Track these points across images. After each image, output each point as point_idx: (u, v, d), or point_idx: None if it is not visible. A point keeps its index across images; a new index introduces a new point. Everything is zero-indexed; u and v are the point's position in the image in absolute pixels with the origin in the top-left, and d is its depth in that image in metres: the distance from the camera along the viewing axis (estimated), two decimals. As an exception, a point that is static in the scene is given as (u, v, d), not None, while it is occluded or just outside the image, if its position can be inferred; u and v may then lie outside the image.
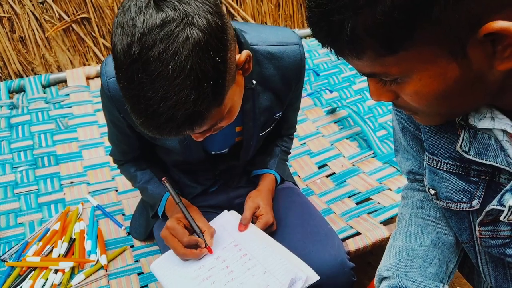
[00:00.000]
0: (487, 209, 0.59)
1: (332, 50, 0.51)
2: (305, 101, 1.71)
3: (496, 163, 0.58)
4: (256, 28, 0.92)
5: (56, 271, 1.10)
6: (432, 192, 0.69)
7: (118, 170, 1.38)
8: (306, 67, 1.86)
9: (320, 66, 1.88)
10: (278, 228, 1.04)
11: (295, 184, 1.21)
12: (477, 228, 0.63)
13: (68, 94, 1.64)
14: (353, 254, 1.10)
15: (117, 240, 1.21)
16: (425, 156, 0.68)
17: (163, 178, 0.94)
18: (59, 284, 1.08)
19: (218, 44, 0.64)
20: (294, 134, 1.55)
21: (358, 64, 0.51)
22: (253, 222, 0.99)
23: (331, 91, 1.75)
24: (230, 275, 0.88)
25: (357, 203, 1.30)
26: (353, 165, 1.44)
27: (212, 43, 0.63)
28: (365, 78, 1.81)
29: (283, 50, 0.90)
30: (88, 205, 1.30)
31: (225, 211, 1.04)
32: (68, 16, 1.89)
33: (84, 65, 1.98)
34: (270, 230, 0.99)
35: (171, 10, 0.62)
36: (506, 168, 0.58)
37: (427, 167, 0.68)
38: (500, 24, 0.43)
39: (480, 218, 0.62)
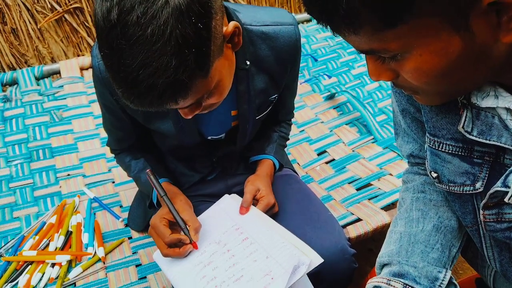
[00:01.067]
0: (491, 191, 0.57)
1: (328, 26, 0.48)
2: (303, 88, 1.68)
3: (500, 142, 0.55)
4: (250, 8, 0.90)
5: (53, 265, 1.08)
6: (434, 175, 0.66)
7: (115, 162, 1.36)
8: (304, 52, 1.83)
9: (318, 51, 1.85)
10: (277, 214, 1.02)
11: (294, 171, 1.19)
12: (481, 211, 0.61)
13: (62, 86, 1.61)
14: (354, 240, 1.09)
15: (114, 232, 1.20)
16: (426, 138, 0.65)
17: (148, 170, 0.92)
18: (56, 278, 1.06)
19: (200, 9, 0.61)
20: (293, 121, 1.54)
21: (355, 40, 0.48)
22: (254, 205, 0.97)
23: (329, 77, 1.72)
24: (231, 260, 0.87)
25: (357, 189, 1.28)
26: (353, 151, 1.42)
27: (194, 8, 0.60)
28: (364, 62, 1.77)
29: (277, 30, 0.88)
30: (85, 197, 1.28)
31: (226, 195, 1.02)
32: (60, 6, 1.86)
33: (78, 56, 1.95)
34: (272, 212, 0.98)
35: None
36: (511, 147, 0.55)
37: (428, 149, 0.66)
38: None
39: (484, 201, 0.60)
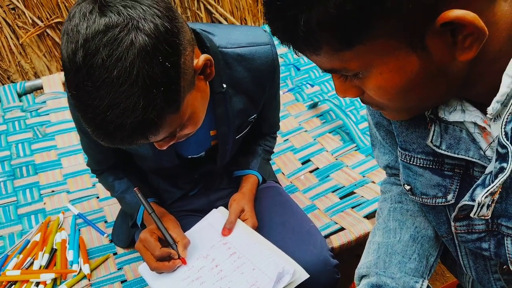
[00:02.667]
0: (460, 204, 0.58)
1: (291, 46, 0.49)
2: (286, 97, 1.69)
3: (468, 156, 0.57)
4: (224, 30, 0.90)
5: (37, 284, 1.08)
6: (407, 187, 0.68)
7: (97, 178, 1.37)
8: (287, 61, 1.85)
9: (300, 60, 1.86)
10: (259, 227, 1.03)
11: (278, 182, 1.20)
12: (452, 223, 0.62)
13: (45, 101, 1.60)
14: (337, 250, 1.10)
15: (99, 248, 1.19)
16: (398, 151, 0.67)
17: (135, 189, 0.92)
18: (41, 297, 1.06)
19: (167, 48, 0.61)
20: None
21: (317, 60, 0.49)
22: None
23: (312, 85, 1.74)
24: (219, 274, 0.88)
25: (341, 198, 1.29)
26: (336, 159, 1.43)
27: (161, 48, 0.61)
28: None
29: (253, 51, 0.88)
30: (69, 213, 1.28)
31: (214, 210, 1.02)
32: (42, 21, 1.85)
33: (62, 70, 1.94)
34: None
35: (114, 15, 0.60)
36: (478, 161, 0.57)
37: (401, 163, 0.67)
38: (456, 13, 0.42)
39: (454, 214, 0.61)
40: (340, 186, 1.33)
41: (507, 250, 0.58)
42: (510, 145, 0.50)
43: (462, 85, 0.51)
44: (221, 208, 1.03)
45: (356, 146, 1.47)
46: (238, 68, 0.88)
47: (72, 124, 1.54)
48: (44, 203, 1.31)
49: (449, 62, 0.47)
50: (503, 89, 0.48)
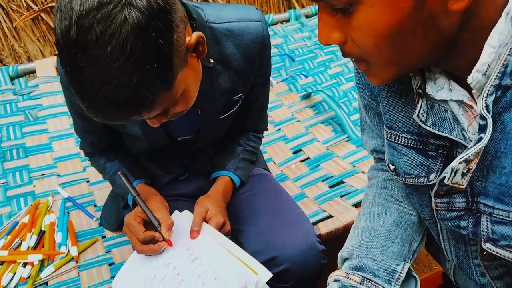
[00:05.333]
0: (440, 177, 0.58)
1: None
2: (280, 87, 1.69)
3: (452, 135, 0.57)
4: (215, 6, 0.90)
5: (24, 265, 1.08)
6: (392, 167, 0.68)
7: (89, 161, 1.37)
8: (282, 52, 1.85)
9: (295, 51, 1.87)
10: (247, 214, 1.03)
11: (267, 169, 1.20)
12: (433, 200, 0.62)
13: (37, 85, 1.60)
14: (325, 237, 1.11)
15: (88, 231, 1.20)
16: (384, 130, 0.67)
17: (119, 173, 0.92)
18: (28, 278, 1.06)
19: (160, 25, 0.62)
20: (269, 120, 1.56)
21: None
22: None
23: (306, 76, 1.74)
24: (181, 285, 0.85)
25: (330, 187, 1.30)
26: (327, 149, 1.44)
27: (154, 24, 0.61)
28: (340, 62, 1.77)
29: (243, 27, 0.88)
30: (59, 197, 1.28)
31: (176, 211, 0.99)
32: (36, 5, 1.84)
33: (55, 55, 1.93)
34: (223, 231, 0.96)
35: None
36: (461, 141, 0.57)
37: (386, 142, 0.68)
38: None
39: (435, 189, 0.61)
40: (330, 175, 1.34)
41: (482, 228, 0.58)
42: (489, 116, 0.50)
43: (448, 48, 0.51)
44: (186, 211, 1.00)
45: (347, 137, 1.47)
46: (227, 43, 0.87)
47: (64, 108, 1.54)
48: (34, 186, 1.30)
49: (441, 13, 0.46)
50: (484, 58, 0.48)
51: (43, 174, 1.34)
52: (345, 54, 0.53)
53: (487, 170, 0.55)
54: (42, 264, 1.09)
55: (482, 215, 0.58)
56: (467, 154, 0.52)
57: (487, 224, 0.58)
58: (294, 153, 1.45)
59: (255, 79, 0.97)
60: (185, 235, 0.92)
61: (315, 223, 1.13)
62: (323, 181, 1.32)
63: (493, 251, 0.58)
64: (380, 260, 0.70)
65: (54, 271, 1.08)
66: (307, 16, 2.07)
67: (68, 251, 1.12)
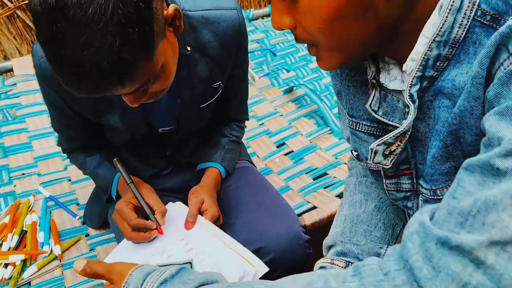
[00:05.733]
0: (375, 161, 0.60)
1: None
2: (262, 82, 1.70)
3: (400, 124, 0.59)
4: None
5: (6, 265, 1.06)
6: (355, 153, 0.70)
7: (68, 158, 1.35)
8: (263, 47, 1.85)
9: (276, 46, 1.87)
10: (233, 206, 1.03)
11: (251, 162, 1.21)
12: (384, 180, 0.65)
13: (15, 84, 1.57)
14: (309, 227, 1.12)
15: (71, 230, 1.18)
16: (347, 119, 0.69)
17: (115, 159, 0.92)
18: (10, 278, 1.04)
19: None
20: (252, 115, 1.56)
21: None
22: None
23: (288, 71, 1.75)
24: None
25: (314, 179, 1.31)
26: (311, 142, 1.45)
27: None
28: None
29: (219, 15, 0.88)
30: (40, 196, 1.26)
31: (170, 203, 0.99)
32: (12, 2, 1.80)
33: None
34: (217, 224, 0.96)
35: None
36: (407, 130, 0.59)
37: (349, 130, 0.70)
38: None
39: (383, 170, 0.64)
40: (313, 167, 1.35)
41: (419, 206, 0.62)
42: (412, 104, 0.53)
43: (389, 37, 0.52)
44: (179, 203, 1.00)
45: (330, 130, 1.49)
46: (203, 31, 0.88)
47: (44, 107, 1.51)
48: (14, 186, 1.28)
49: (381, 0, 0.48)
50: (418, 48, 0.51)
51: (23, 174, 1.31)
52: (297, 39, 0.56)
53: (428, 157, 0.57)
54: (25, 264, 1.07)
55: (420, 195, 0.61)
56: (386, 137, 0.56)
57: (421, 203, 0.61)
58: (277, 146, 1.45)
59: (233, 70, 0.97)
60: (179, 225, 0.92)
61: (299, 214, 1.14)
62: (307, 173, 1.33)
63: None
64: (363, 244, 0.71)
65: (37, 271, 1.06)
66: (287, 11, 2.08)
67: (51, 250, 1.11)
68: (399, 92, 0.58)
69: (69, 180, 1.32)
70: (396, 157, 0.58)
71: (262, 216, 1.00)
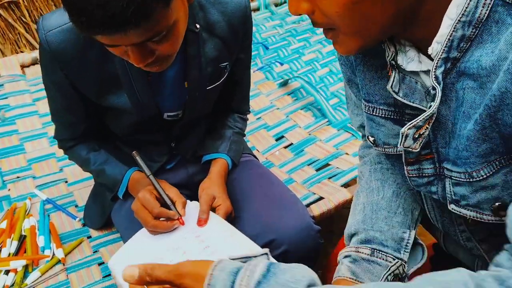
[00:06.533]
0: (405, 145, 0.60)
1: None
2: (257, 75, 1.69)
3: (422, 106, 0.59)
4: None
5: (7, 272, 1.02)
6: (371, 139, 0.70)
7: (66, 161, 1.31)
8: (255, 40, 1.84)
9: (268, 39, 1.86)
10: (240, 199, 1.02)
11: (254, 156, 1.19)
12: (405, 167, 0.65)
13: (2, 85, 1.51)
14: (318, 218, 1.11)
15: (72, 232, 1.15)
16: (362, 104, 0.68)
17: (134, 152, 0.89)
18: (12, 285, 1.00)
19: None
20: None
21: None
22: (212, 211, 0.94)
23: (281, 64, 1.74)
24: None
25: (317, 170, 1.31)
26: (310, 134, 1.45)
27: None
28: (314, 49, 1.79)
29: None
30: (37, 199, 1.22)
31: (189, 202, 0.96)
32: (-7, 1, 1.74)
33: (17, 53, 1.83)
34: (230, 218, 0.95)
35: None
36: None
37: (365, 115, 0.69)
38: None
39: (404, 156, 0.64)
40: (315, 159, 1.34)
41: (447, 191, 0.61)
42: (438, 86, 0.53)
43: (409, 20, 0.52)
44: (193, 202, 0.97)
45: (327, 121, 1.49)
46: (212, 10, 0.89)
47: (34, 108, 1.47)
48: (9, 190, 1.23)
49: None
50: (443, 30, 0.51)
51: (18, 177, 1.27)
52: (314, 24, 0.56)
53: (449, 137, 0.58)
54: (26, 269, 1.04)
55: (447, 179, 0.61)
56: (416, 120, 0.56)
57: (450, 186, 0.61)
58: (276, 140, 1.44)
59: (239, 54, 0.98)
60: (193, 222, 0.90)
61: (307, 206, 1.14)
62: (309, 165, 1.33)
63: (457, 211, 0.61)
64: (386, 230, 0.71)
65: (40, 276, 1.03)
66: (276, 5, 2.07)
67: (53, 254, 1.07)
68: (417, 74, 0.58)
69: (66, 182, 1.28)
70: (424, 140, 0.58)
71: (271, 208, 0.99)
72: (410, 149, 0.59)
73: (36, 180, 1.27)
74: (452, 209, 0.61)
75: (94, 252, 1.10)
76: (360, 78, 0.67)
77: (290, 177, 1.29)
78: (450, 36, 0.51)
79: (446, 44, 0.51)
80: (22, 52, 1.85)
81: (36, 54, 1.62)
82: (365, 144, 0.89)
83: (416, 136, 0.57)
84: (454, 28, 0.50)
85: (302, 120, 1.50)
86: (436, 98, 0.54)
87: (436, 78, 0.53)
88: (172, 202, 0.88)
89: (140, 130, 0.98)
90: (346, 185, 1.23)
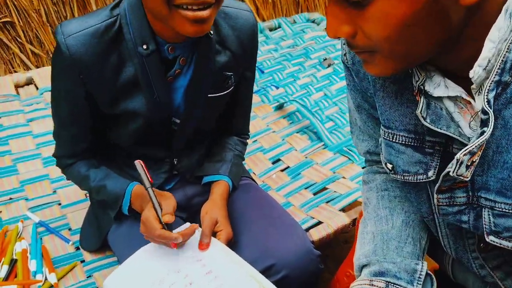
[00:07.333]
0: (444, 172, 0.59)
1: None
2: (252, 98, 1.69)
3: (449, 132, 0.59)
4: None
5: (-3, 298, 0.98)
6: (389, 166, 0.69)
7: (60, 182, 1.29)
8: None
9: (263, 63, 1.88)
10: (240, 223, 1.01)
11: (252, 179, 1.19)
12: (435, 195, 0.64)
13: (-5, 105, 1.49)
14: (317, 243, 1.10)
15: (65, 256, 1.12)
16: (381, 130, 0.68)
17: (137, 161, 0.87)
18: (2, 311, 0.96)
19: None
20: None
21: None
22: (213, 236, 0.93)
23: (277, 87, 1.76)
24: None
25: (314, 194, 1.30)
26: (306, 157, 1.45)
27: None
28: (308, 73, 1.80)
29: (237, 12, 0.95)
30: (29, 222, 1.19)
31: (187, 223, 0.96)
32: (-12, 21, 1.73)
33: (10, 73, 1.82)
34: (229, 243, 0.94)
35: None
36: (458, 137, 0.59)
37: (383, 142, 0.69)
38: None
39: (438, 184, 0.62)
40: (312, 182, 1.34)
41: (484, 221, 0.60)
42: (491, 110, 0.52)
43: (451, 42, 0.52)
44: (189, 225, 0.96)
45: (323, 145, 1.50)
46: (223, 24, 0.93)
47: (28, 128, 1.45)
48: (0, 212, 1.20)
49: (452, 5, 0.47)
50: (485, 53, 0.50)
51: (11, 199, 1.24)
52: (352, 47, 0.54)
53: (487, 165, 0.57)
54: (17, 295, 1.00)
55: (483, 209, 0.60)
56: (472, 146, 0.54)
57: (489, 217, 0.59)
58: (273, 163, 1.44)
59: (245, 71, 1.01)
60: (194, 245, 0.89)
61: (306, 230, 1.13)
62: (306, 188, 1.33)
63: (497, 242, 0.60)
64: (399, 261, 0.70)
65: (32, 302, 0.99)
66: (270, 29, 2.11)
67: (46, 279, 1.04)
68: (441, 99, 0.58)
69: (59, 204, 1.25)
70: (474, 168, 0.56)
71: (271, 232, 0.98)
72: (462, 178, 0.56)
73: (29, 202, 1.24)
74: (491, 240, 0.60)
75: (87, 277, 1.07)
76: (379, 104, 0.67)
77: (287, 200, 1.29)
78: (504, 57, 0.50)
79: (499, 66, 0.50)
80: (16, 72, 1.84)
81: (30, 74, 1.62)
82: (370, 169, 0.88)
83: (469, 164, 0.55)
84: (508, 48, 0.49)
85: (298, 143, 1.51)
86: (490, 123, 0.52)
87: (488, 102, 0.51)
88: (165, 227, 0.85)
89: (144, 140, 0.96)
90: (344, 210, 1.22)
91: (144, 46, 0.84)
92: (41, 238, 1.15)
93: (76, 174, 1.00)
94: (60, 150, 1.00)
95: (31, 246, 1.11)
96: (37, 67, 1.85)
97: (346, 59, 0.72)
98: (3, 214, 1.20)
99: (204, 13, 0.76)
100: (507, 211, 0.57)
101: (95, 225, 1.09)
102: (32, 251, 1.10)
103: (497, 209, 0.58)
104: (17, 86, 1.57)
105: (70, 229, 1.19)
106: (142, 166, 0.87)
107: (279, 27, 2.12)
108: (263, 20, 2.33)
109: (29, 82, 1.60)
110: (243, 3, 0.99)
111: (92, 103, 0.90)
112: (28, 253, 1.09)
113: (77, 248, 1.14)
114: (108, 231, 1.04)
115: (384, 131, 0.67)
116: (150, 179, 0.87)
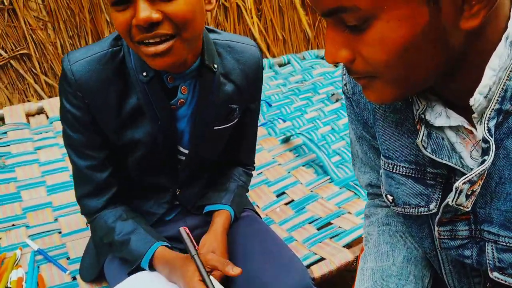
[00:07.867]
0: (444, 203, 0.57)
1: None
2: (259, 131, 1.68)
3: (451, 162, 0.57)
4: (218, 31, 0.98)
5: (-13, 327, 0.96)
6: (390, 198, 0.67)
7: (62, 210, 1.29)
8: (258, 98, 1.87)
9: (271, 97, 1.90)
10: (239, 256, 0.98)
11: (255, 211, 1.17)
12: (436, 228, 0.61)
13: (6, 132, 1.52)
14: (319, 280, 1.06)
15: (61, 286, 1.09)
16: (381, 160, 0.66)
17: (182, 228, 0.86)
18: None
19: None
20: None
21: None
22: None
23: (284, 121, 1.76)
24: None
25: (318, 229, 1.27)
26: (311, 191, 1.43)
27: None
28: (316, 107, 1.81)
29: (242, 47, 0.96)
30: (28, 250, 1.17)
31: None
32: (6, 52, 1.80)
33: (23, 102, 1.86)
34: (226, 277, 0.91)
35: None
36: (460, 168, 0.57)
37: (383, 172, 0.67)
38: None
39: (438, 216, 0.60)
40: (316, 217, 1.31)
41: (488, 256, 0.57)
42: (491, 138, 0.50)
43: (451, 68, 0.51)
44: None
45: (329, 179, 1.47)
46: (228, 57, 0.94)
47: (35, 156, 1.46)
48: (0, 238, 1.19)
49: (452, 28, 0.46)
50: (485, 81, 0.49)
51: (13, 225, 1.23)
52: (351, 72, 0.53)
53: (490, 197, 0.55)
54: (8, 325, 0.98)
55: (486, 243, 0.57)
56: (471, 175, 0.52)
57: (492, 252, 0.57)
58: (277, 196, 1.42)
59: (250, 104, 1.02)
60: None
61: (307, 267, 1.09)
62: (310, 223, 1.29)
63: (501, 280, 0.57)
64: None
65: (23, 333, 0.96)
66: (280, 65, 2.14)
67: (39, 309, 1.01)
68: (442, 129, 0.56)
69: (59, 233, 1.24)
70: (475, 198, 0.54)
71: (270, 266, 0.94)
72: (462, 208, 0.54)
73: (29, 230, 1.24)
74: (496, 277, 0.57)
75: (82, 309, 1.04)
76: (379, 134, 0.66)
77: (290, 235, 1.25)
78: (504, 85, 0.49)
79: (500, 94, 0.49)
80: (29, 101, 1.88)
81: (41, 103, 1.65)
82: (371, 202, 0.86)
83: (469, 193, 0.53)
84: (508, 76, 0.48)
85: (304, 176, 1.49)
86: (491, 152, 0.50)
87: (489, 130, 0.50)
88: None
89: (150, 168, 0.96)
90: (348, 246, 1.18)
91: (144, 73, 0.85)
92: (38, 267, 1.13)
93: (102, 223, 0.94)
94: (79, 189, 0.95)
95: (27, 275, 1.10)
96: (50, 97, 1.89)
97: (347, 89, 0.72)
98: (3, 240, 1.19)
99: (161, 47, 0.75)
100: (511, 245, 0.54)
101: (94, 256, 1.07)
102: (28, 279, 1.08)
103: (501, 243, 0.55)
104: (28, 115, 1.60)
105: (68, 258, 1.17)
106: (187, 233, 0.85)
107: (289, 63, 2.14)
108: (273, 57, 2.37)
109: (40, 111, 1.63)
110: (248, 38, 1.01)
111: (100, 130, 0.90)
112: (23, 282, 1.07)
113: (74, 278, 1.11)
114: (104, 262, 1.02)
115: (384, 162, 0.66)
116: (196, 246, 0.85)
